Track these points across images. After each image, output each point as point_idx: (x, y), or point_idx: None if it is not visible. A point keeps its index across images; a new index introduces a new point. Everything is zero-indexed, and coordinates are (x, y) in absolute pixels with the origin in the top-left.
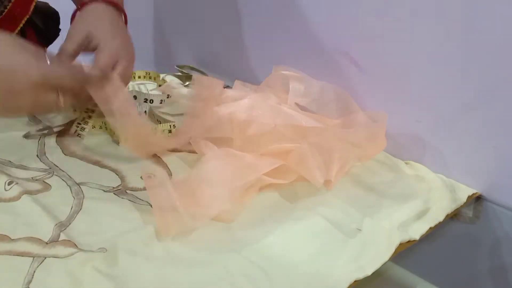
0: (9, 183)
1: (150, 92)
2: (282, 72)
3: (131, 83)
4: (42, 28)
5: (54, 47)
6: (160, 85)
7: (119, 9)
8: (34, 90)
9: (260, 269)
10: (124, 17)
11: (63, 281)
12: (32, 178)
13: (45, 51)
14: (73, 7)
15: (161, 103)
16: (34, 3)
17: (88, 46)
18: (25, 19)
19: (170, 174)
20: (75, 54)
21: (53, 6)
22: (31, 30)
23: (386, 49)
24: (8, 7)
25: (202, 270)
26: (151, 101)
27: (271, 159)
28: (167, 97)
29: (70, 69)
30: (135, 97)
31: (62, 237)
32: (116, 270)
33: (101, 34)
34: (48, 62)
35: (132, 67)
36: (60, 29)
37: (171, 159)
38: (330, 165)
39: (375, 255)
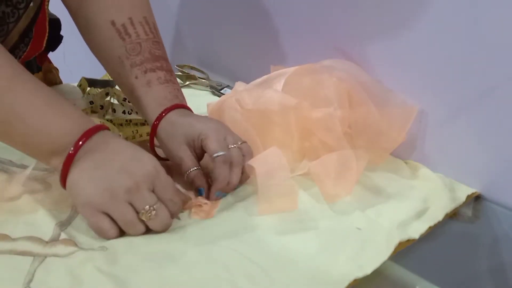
0: (9, 182)
1: None
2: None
3: None
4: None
5: (57, 54)
6: None
7: (186, 108)
8: (143, 178)
9: (260, 268)
10: None
11: (64, 280)
12: (32, 177)
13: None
14: None
15: None
16: (46, 39)
17: (195, 146)
18: (37, 53)
19: (170, 173)
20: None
21: (53, 13)
22: None
23: (386, 48)
24: (26, 51)
25: (202, 269)
26: (129, 102)
27: (301, 164)
28: None
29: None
30: (107, 94)
31: (63, 236)
32: (116, 269)
33: (195, 126)
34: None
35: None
36: (62, 36)
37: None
38: (346, 178)
39: (374, 254)
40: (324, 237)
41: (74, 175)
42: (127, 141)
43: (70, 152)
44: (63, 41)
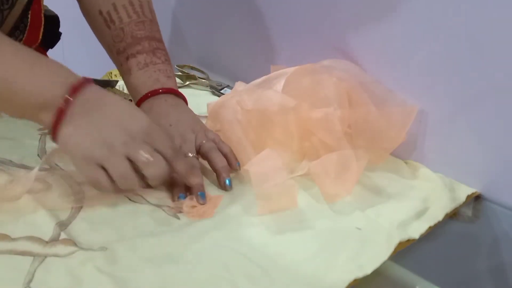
0: (10, 182)
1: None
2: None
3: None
4: (43, 32)
5: (55, 51)
6: None
7: (178, 94)
8: (138, 132)
9: (260, 268)
10: (184, 101)
11: (64, 280)
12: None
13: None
14: (74, 10)
15: None
16: (41, 30)
17: None
18: (33, 47)
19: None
20: None
21: (52, 10)
22: None
23: (386, 48)
24: (22, 39)
25: (202, 269)
26: (130, 100)
27: (301, 164)
28: None
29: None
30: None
31: (63, 236)
32: (116, 269)
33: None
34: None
35: (205, 134)
36: (60, 33)
37: None
38: (346, 178)
39: (374, 254)
40: (324, 237)
41: (68, 130)
42: (120, 97)
43: (62, 107)
44: (62, 39)
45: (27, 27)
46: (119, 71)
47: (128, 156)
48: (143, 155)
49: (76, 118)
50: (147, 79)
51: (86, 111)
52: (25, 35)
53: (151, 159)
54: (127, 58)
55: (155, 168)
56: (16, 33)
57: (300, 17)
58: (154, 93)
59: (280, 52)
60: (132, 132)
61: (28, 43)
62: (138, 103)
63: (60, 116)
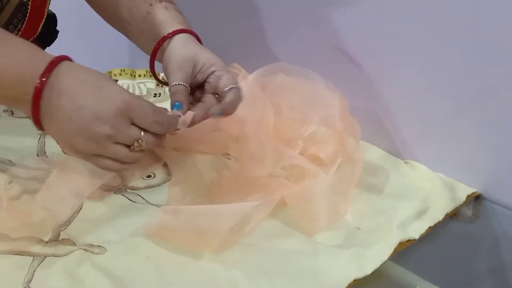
0: (9, 182)
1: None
2: None
3: (131, 82)
4: (40, 30)
5: (52, 49)
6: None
7: (194, 35)
8: (116, 118)
9: (260, 268)
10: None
11: (63, 280)
12: (32, 177)
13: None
14: (70, 8)
15: None
16: (42, 24)
17: (194, 72)
18: (32, 39)
19: (170, 174)
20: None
21: (49, 8)
22: None
23: (386, 48)
24: (20, 29)
25: (202, 269)
26: None
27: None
28: (154, 96)
29: (156, 109)
30: None
31: (62, 236)
32: (116, 269)
33: (207, 56)
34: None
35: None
36: (58, 31)
37: (171, 159)
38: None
39: (374, 254)
40: (324, 237)
41: (51, 127)
42: (87, 72)
43: (38, 86)
44: (59, 37)
45: (26, 18)
46: (141, 11)
47: (118, 142)
48: (136, 145)
49: (50, 114)
50: (186, 21)
51: (58, 103)
52: (23, 26)
53: (144, 144)
54: (161, 1)
55: (151, 147)
56: (14, 21)
57: (301, 17)
58: (187, 31)
59: (280, 52)
60: (112, 120)
61: (26, 35)
62: (173, 33)
63: (36, 105)
